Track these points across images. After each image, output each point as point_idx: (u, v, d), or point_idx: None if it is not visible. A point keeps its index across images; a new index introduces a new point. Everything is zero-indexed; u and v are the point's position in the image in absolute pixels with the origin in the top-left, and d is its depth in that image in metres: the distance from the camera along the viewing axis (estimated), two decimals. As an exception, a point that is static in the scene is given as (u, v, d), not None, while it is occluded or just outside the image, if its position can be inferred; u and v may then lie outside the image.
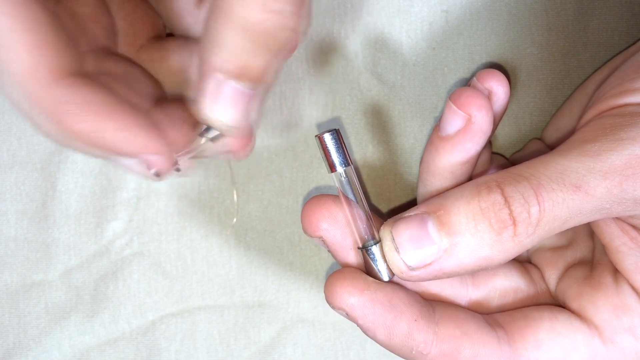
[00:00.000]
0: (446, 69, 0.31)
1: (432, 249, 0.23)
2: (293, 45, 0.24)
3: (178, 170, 0.24)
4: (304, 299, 0.31)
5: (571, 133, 0.25)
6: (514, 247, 0.22)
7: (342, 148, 0.24)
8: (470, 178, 0.27)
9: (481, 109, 0.24)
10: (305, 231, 0.26)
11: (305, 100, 0.31)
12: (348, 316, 0.24)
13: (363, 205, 0.25)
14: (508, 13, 0.30)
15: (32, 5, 0.20)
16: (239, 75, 0.21)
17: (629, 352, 0.24)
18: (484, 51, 0.30)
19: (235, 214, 0.31)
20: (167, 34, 0.28)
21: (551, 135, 0.30)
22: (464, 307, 0.27)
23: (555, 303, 0.27)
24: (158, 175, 0.23)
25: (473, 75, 0.29)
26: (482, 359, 0.24)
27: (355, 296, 0.24)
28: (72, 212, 0.31)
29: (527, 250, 0.29)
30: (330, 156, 0.24)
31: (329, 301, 0.24)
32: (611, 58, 0.29)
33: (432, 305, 0.25)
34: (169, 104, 0.25)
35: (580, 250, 0.27)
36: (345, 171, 0.25)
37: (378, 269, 0.25)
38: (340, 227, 0.25)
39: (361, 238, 0.25)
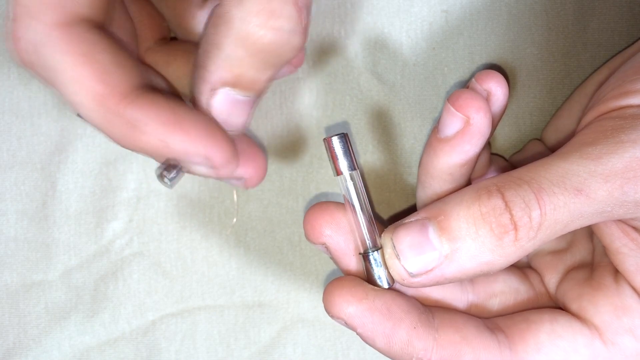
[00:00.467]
0: (446, 69, 0.31)
1: (433, 255, 0.23)
2: (297, 61, 0.25)
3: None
4: (304, 299, 0.31)
5: (571, 134, 0.25)
6: (515, 251, 0.22)
7: (350, 152, 0.24)
8: (469, 180, 0.27)
9: (479, 110, 0.24)
10: (308, 238, 0.25)
11: (305, 100, 0.31)
12: (347, 325, 0.24)
13: (367, 210, 0.25)
14: (508, 13, 0.30)
15: (89, 36, 0.20)
16: (234, 84, 0.22)
17: (629, 353, 0.24)
18: (484, 51, 0.30)
19: (235, 214, 0.31)
20: (171, 37, 0.28)
21: (551, 135, 0.30)
22: (463, 311, 0.26)
23: (555, 306, 0.27)
24: (225, 175, 0.24)
25: (473, 75, 0.29)
26: None
27: (354, 305, 0.23)
28: (72, 212, 0.31)
29: (527, 255, 0.29)
30: (338, 160, 0.24)
31: (327, 310, 0.24)
32: (611, 58, 0.29)
33: (432, 311, 0.25)
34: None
35: (580, 253, 0.27)
36: (351, 175, 0.25)
37: (379, 276, 0.24)
38: (343, 234, 0.25)
39: (363, 244, 0.25)
